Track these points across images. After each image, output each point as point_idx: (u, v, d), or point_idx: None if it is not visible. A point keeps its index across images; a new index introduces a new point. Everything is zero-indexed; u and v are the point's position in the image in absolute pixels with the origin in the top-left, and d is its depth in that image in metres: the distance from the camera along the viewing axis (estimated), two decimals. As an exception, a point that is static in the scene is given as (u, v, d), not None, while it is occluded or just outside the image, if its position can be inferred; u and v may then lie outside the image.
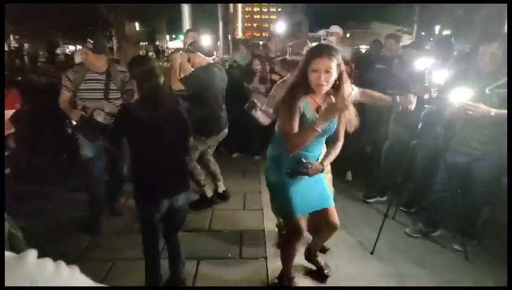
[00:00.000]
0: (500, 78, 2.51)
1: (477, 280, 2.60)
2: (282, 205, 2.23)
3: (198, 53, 3.43)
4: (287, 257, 2.41)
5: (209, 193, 3.71)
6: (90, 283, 0.41)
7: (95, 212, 3.21)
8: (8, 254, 0.38)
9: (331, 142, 2.18)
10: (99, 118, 2.89)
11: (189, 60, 3.52)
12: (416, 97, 2.52)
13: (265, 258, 2.84)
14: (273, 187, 2.25)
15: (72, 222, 3.30)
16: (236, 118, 5.36)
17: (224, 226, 3.33)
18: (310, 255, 2.65)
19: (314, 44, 2.15)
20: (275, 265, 2.73)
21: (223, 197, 3.86)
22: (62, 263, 0.40)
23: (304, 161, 2.02)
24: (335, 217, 2.30)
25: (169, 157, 2.13)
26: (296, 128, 1.94)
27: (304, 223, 2.26)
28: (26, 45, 14.41)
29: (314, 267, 2.65)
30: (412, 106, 2.49)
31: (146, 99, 2.05)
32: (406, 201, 3.62)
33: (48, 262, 0.38)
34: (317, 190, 2.21)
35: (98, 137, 2.92)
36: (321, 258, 2.64)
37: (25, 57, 11.37)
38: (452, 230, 3.13)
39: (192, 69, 3.42)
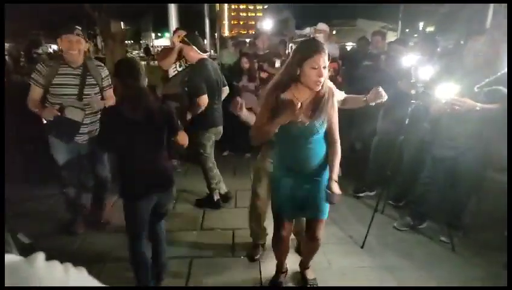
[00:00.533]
0: (485, 74, 2.57)
1: (464, 270, 2.67)
2: (273, 203, 2.27)
3: (194, 47, 3.40)
4: (275, 254, 2.49)
5: (216, 197, 3.69)
6: (98, 284, 0.41)
7: (72, 218, 3.15)
8: (15, 257, 0.38)
9: (330, 146, 2.07)
10: (77, 116, 2.74)
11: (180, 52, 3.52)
12: (380, 89, 2.44)
13: (259, 255, 2.85)
14: (271, 183, 2.30)
15: (59, 222, 3.25)
16: (226, 116, 5.37)
17: (216, 224, 3.34)
18: (300, 267, 2.60)
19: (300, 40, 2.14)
20: (267, 263, 2.76)
21: (226, 198, 3.83)
22: (70, 265, 0.40)
23: (329, 192, 1.96)
24: (319, 230, 2.22)
25: (156, 155, 2.18)
26: (261, 123, 1.94)
27: (287, 229, 2.26)
28: (7, 45, 14.05)
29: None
30: (383, 98, 2.42)
31: (132, 99, 2.06)
32: (394, 195, 3.69)
33: (56, 264, 0.39)
34: (312, 199, 2.11)
35: (73, 137, 2.80)
36: (310, 272, 2.56)
37: (7, 57, 11.10)
38: (439, 222, 3.21)
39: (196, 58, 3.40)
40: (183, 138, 2.31)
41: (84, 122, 2.84)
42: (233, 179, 4.43)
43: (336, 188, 1.97)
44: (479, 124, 2.66)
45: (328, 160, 2.05)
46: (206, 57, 3.51)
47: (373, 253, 2.89)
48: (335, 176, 2.00)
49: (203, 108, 3.35)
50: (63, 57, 2.79)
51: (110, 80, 3.00)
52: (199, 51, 3.42)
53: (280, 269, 2.53)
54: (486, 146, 2.76)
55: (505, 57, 2.61)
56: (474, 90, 2.57)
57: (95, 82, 2.87)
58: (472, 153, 2.78)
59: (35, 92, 2.76)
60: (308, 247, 2.44)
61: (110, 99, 2.98)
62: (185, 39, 3.43)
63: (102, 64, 3.02)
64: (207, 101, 3.36)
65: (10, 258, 0.37)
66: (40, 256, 0.38)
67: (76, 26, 2.77)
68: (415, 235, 3.17)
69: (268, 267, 2.69)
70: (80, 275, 0.40)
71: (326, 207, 2.15)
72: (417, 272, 2.65)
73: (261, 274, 2.64)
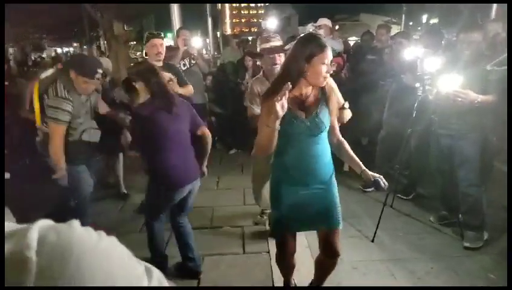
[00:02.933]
0: (481, 65, 2.56)
1: (474, 261, 2.67)
2: (274, 217, 2.06)
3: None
4: (281, 273, 2.29)
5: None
6: (128, 252, 0.43)
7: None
8: (53, 223, 0.40)
9: (337, 144, 2.00)
10: (95, 137, 2.68)
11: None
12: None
13: (268, 252, 2.87)
14: (271, 194, 2.03)
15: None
16: (232, 114, 5.39)
17: (226, 222, 3.36)
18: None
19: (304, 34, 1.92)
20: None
21: None
22: (103, 232, 0.42)
23: (377, 179, 1.83)
24: (336, 243, 1.96)
25: (188, 145, 2.35)
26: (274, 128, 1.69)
27: (292, 244, 2.03)
28: (10, 49, 14.16)
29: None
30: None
31: (163, 95, 2.23)
32: (403, 188, 3.69)
33: (91, 230, 0.41)
34: (323, 206, 1.91)
35: (91, 160, 2.76)
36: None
37: (10, 62, 11.18)
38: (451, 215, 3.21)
39: None
40: (207, 132, 2.49)
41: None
42: (242, 177, 4.45)
43: (374, 174, 1.88)
44: (477, 114, 2.64)
45: (330, 166, 1.94)
46: None
47: (383, 246, 2.90)
48: (363, 166, 1.92)
49: None
50: (75, 87, 2.51)
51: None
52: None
53: (288, 285, 2.33)
54: (484, 136, 2.73)
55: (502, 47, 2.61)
56: (487, 69, 2.54)
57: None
58: (468, 141, 2.75)
59: (61, 132, 2.41)
60: (325, 265, 2.12)
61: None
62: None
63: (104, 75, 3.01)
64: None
65: (48, 222, 0.39)
66: (76, 222, 0.41)
67: (99, 70, 2.51)
68: (425, 228, 3.18)
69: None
70: (112, 240, 0.42)
71: (340, 215, 1.97)
72: (428, 264, 2.65)
73: (272, 270, 2.66)
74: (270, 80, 2.61)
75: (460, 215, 2.98)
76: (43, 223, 0.39)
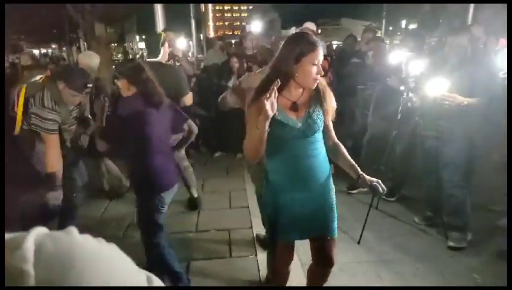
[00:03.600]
0: (467, 69, 2.61)
1: (459, 262, 2.72)
2: (268, 224, 1.93)
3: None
4: (276, 282, 2.14)
5: (195, 194, 3.68)
6: (128, 258, 0.42)
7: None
8: (50, 231, 0.38)
9: (333, 146, 1.90)
10: (85, 142, 2.66)
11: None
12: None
13: (255, 255, 2.84)
14: (264, 203, 1.95)
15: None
16: (216, 117, 5.35)
17: (212, 225, 3.31)
18: None
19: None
20: (265, 262, 2.74)
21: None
22: (102, 239, 0.41)
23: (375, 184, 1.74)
24: (331, 252, 1.89)
25: (170, 145, 2.32)
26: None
27: (290, 254, 1.95)
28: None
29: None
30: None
31: (149, 89, 2.14)
32: (388, 190, 3.72)
33: (90, 237, 0.40)
34: (320, 212, 1.83)
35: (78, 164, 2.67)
36: None
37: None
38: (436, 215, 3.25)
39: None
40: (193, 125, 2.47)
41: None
42: (227, 180, 4.42)
43: (372, 178, 1.79)
44: (461, 116, 2.68)
45: (327, 168, 1.85)
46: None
47: (370, 248, 2.92)
48: (360, 170, 1.83)
49: None
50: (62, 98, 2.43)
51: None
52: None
53: None
54: (469, 138, 2.79)
55: (484, 52, 2.68)
56: (459, 85, 2.59)
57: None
58: (453, 143, 2.79)
59: (54, 141, 2.34)
60: (319, 275, 2.02)
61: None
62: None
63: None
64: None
65: (45, 229, 0.38)
66: (74, 228, 0.39)
67: (87, 84, 2.47)
68: (411, 229, 3.21)
69: (266, 267, 2.68)
70: (112, 248, 0.41)
71: (336, 223, 1.89)
72: (414, 265, 2.68)
73: (259, 273, 2.63)
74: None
75: (444, 216, 3.03)
76: (39, 232, 0.36)
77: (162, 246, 2.27)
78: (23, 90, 2.43)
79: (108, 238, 0.40)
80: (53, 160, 2.33)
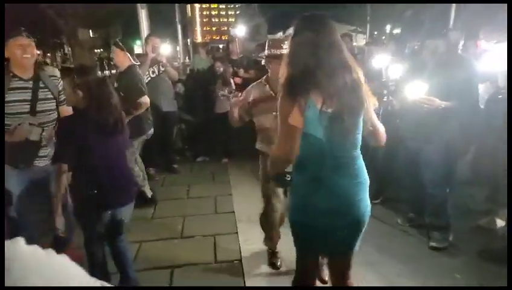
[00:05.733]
0: (444, 73, 2.65)
1: (441, 262, 2.76)
2: (297, 242, 1.76)
3: (127, 53, 3.45)
4: None
5: (149, 193, 3.75)
6: (80, 270, 0.41)
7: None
8: None
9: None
10: (34, 135, 2.33)
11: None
12: None
13: (240, 260, 2.84)
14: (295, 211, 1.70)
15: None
16: (202, 122, 5.34)
17: (197, 231, 3.29)
18: None
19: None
20: (250, 266, 2.74)
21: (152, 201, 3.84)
22: (51, 250, 0.41)
23: None
24: (348, 272, 1.79)
25: (117, 166, 2.16)
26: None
27: (314, 269, 1.85)
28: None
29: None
30: None
31: (98, 104, 2.03)
32: (371, 193, 3.76)
33: (37, 247, 0.40)
34: (350, 233, 1.66)
35: (32, 162, 2.40)
36: None
37: None
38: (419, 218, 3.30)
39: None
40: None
41: (42, 143, 2.42)
42: (212, 185, 4.40)
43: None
44: (440, 119, 2.72)
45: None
46: (136, 63, 3.56)
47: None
48: None
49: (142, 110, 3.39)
50: (11, 67, 2.35)
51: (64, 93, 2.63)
52: (131, 58, 3.47)
53: None
54: (448, 139, 2.82)
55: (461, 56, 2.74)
56: (436, 88, 2.64)
57: (51, 96, 2.46)
58: (433, 145, 2.84)
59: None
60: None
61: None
62: (119, 43, 3.45)
63: (57, 75, 2.61)
64: (148, 101, 3.40)
65: None
66: (21, 240, 0.39)
67: (23, 28, 2.37)
68: (394, 230, 3.25)
69: (251, 272, 2.67)
70: (62, 258, 0.41)
71: (357, 243, 1.73)
72: (397, 266, 2.71)
73: (244, 279, 2.62)
74: (272, 86, 2.43)
75: (426, 217, 3.08)
76: None
77: (92, 248, 2.24)
78: None
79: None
80: None
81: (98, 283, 0.42)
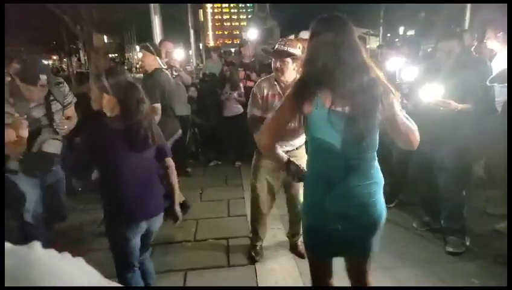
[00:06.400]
0: (459, 74, 2.62)
1: (457, 267, 2.70)
2: (314, 246, 1.74)
3: (157, 57, 3.47)
4: None
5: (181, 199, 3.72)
6: (96, 273, 0.42)
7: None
8: (12, 246, 0.38)
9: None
10: (55, 148, 2.45)
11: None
12: None
13: (254, 264, 2.82)
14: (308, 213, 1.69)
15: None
16: (215, 126, 5.38)
17: (210, 234, 3.30)
18: None
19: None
20: (263, 270, 2.73)
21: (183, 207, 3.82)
22: (67, 253, 0.41)
23: None
24: (367, 274, 1.75)
25: (147, 176, 2.01)
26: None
27: (328, 271, 1.78)
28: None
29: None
30: None
31: (126, 112, 1.88)
32: (386, 196, 3.71)
33: (54, 252, 0.39)
34: (365, 235, 1.63)
35: (49, 172, 2.49)
36: None
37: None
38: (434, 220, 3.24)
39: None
40: (172, 164, 2.15)
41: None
42: (226, 188, 4.41)
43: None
44: (455, 121, 2.69)
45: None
46: (162, 68, 3.56)
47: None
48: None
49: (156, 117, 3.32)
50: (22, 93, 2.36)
51: (72, 95, 2.70)
52: (160, 62, 3.49)
53: None
54: (463, 142, 2.78)
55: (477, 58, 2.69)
56: (452, 90, 2.60)
57: (60, 106, 2.58)
58: (448, 148, 2.80)
59: (10, 134, 2.28)
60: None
61: (72, 118, 2.73)
62: (148, 46, 3.47)
63: (62, 81, 2.68)
64: (159, 110, 3.31)
65: (7, 244, 0.38)
66: (38, 244, 0.39)
67: (41, 76, 2.32)
68: (410, 234, 3.19)
69: (265, 276, 2.67)
70: (78, 262, 0.41)
71: (375, 245, 1.69)
72: (413, 271, 2.66)
73: (257, 283, 2.61)
74: (278, 82, 2.53)
75: (442, 221, 3.02)
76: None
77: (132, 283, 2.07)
78: None
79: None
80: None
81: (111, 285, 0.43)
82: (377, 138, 1.54)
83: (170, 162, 2.15)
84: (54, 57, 25.64)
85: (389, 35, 16.08)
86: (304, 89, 1.48)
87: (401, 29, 18.00)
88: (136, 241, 2.02)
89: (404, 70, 2.94)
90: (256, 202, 2.81)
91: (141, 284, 2.14)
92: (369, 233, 1.63)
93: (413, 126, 1.56)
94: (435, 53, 2.97)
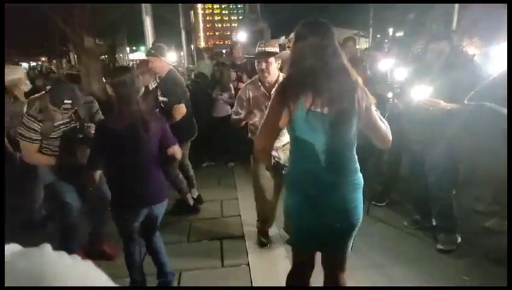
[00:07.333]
0: (448, 75, 2.67)
1: (448, 264, 2.75)
2: (296, 237, 1.82)
3: (162, 58, 3.42)
4: None
5: (191, 201, 3.71)
6: (105, 277, 0.42)
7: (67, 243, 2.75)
8: (23, 248, 0.39)
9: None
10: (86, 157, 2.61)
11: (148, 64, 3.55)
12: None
13: (248, 264, 2.84)
14: (289, 209, 1.77)
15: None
16: (206, 127, 5.36)
17: (204, 235, 3.31)
18: None
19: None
20: (257, 271, 2.75)
21: (198, 201, 3.88)
22: (77, 256, 0.41)
23: None
24: (342, 270, 1.84)
25: (148, 167, 2.18)
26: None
27: (307, 261, 1.85)
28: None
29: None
30: None
31: (123, 110, 2.05)
32: (377, 195, 3.76)
33: (64, 254, 0.40)
34: (342, 231, 1.69)
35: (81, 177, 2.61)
36: None
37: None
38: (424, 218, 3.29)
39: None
40: (177, 151, 2.31)
41: None
42: (219, 189, 4.42)
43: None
44: (444, 121, 2.73)
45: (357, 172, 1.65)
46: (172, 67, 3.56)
47: (360, 254, 2.92)
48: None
49: (179, 117, 3.35)
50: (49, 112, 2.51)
51: (99, 113, 2.80)
52: (168, 62, 3.47)
53: None
54: (452, 141, 2.83)
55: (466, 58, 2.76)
56: (441, 90, 2.65)
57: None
58: (438, 147, 2.84)
59: (33, 148, 2.51)
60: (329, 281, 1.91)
61: None
62: (152, 51, 3.44)
63: (93, 99, 2.81)
64: (185, 110, 3.38)
65: (18, 246, 0.39)
66: (48, 246, 0.40)
67: (66, 101, 2.43)
68: (401, 233, 3.24)
69: (259, 276, 2.68)
70: (87, 265, 0.41)
71: (350, 243, 1.77)
72: (404, 269, 2.70)
73: (252, 283, 2.63)
74: (263, 82, 2.69)
75: (433, 219, 3.07)
76: (12, 248, 0.37)
77: (130, 249, 2.36)
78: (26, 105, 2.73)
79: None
80: (34, 158, 2.55)
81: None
82: (355, 137, 1.61)
83: (174, 149, 2.27)
84: (43, 58, 25.30)
85: (378, 36, 16.24)
86: (289, 91, 1.55)
87: (390, 31, 18.19)
88: (137, 224, 2.27)
89: (395, 71, 2.99)
90: (261, 189, 2.90)
91: (141, 257, 2.42)
92: (348, 226, 1.69)
93: (386, 127, 1.67)
94: (424, 54, 3.02)
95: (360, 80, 1.57)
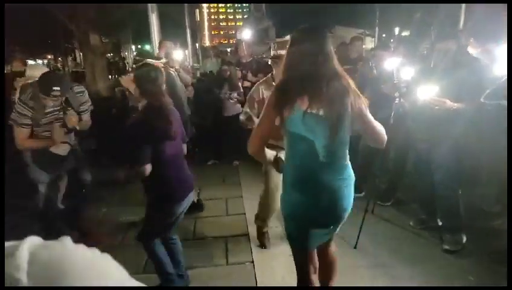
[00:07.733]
0: (455, 74, 2.66)
1: (453, 263, 2.74)
2: (294, 234, 1.88)
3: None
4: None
5: (195, 198, 3.73)
6: (123, 270, 0.42)
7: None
8: (43, 241, 0.39)
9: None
10: (63, 151, 2.82)
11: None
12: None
13: (252, 262, 2.85)
14: (291, 214, 1.81)
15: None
16: (212, 125, 5.38)
17: (209, 233, 3.32)
18: None
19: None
20: (262, 269, 2.75)
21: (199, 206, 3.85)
22: (96, 249, 0.41)
23: None
24: (333, 249, 2.05)
25: (182, 155, 2.37)
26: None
27: (314, 260, 1.90)
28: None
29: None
30: None
31: (157, 105, 2.14)
32: (382, 195, 3.75)
33: (84, 247, 0.40)
34: (335, 222, 1.83)
35: (58, 170, 2.89)
36: None
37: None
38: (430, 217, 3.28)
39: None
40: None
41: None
42: (223, 187, 4.43)
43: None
44: (451, 120, 2.73)
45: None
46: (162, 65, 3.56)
47: (366, 252, 2.93)
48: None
49: None
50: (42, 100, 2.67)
51: (89, 103, 3.01)
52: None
53: None
54: (458, 141, 2.82)
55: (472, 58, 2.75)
56: (448, 90, 2.64)
57: (73, 112, 2.85)
58: (444, 146, 2.83)
59: (23, 133, 2.65)
60: (329, 270, 2.13)
61: (87, 122, 3.02)
62: (137, 58, 3.56)
63: (83, 89, 3.00)
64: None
65: (38, 239, 0.39)
66: (68, 238, 0.40)
67: (54, 88, 2.59)
68: (406, 232, 3.23)
69: (263, 274, 2.69)
70: (105, 257, 0.42)
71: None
72: (409, 268, 2.70)
73: (256, 281, 2.63)
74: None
75: (438, 219, 3.06)
76: (33, 241, 0.38)
77: (159, 252, 2.36)
78: (18, 90, 2.85)
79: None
80: (23, 142, 2.68)
81: (135, 285, 0.44)
82: (348, 137, 1.69)
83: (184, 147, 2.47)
84: (49, 56, 25.42)
85: (384, 35, 16.18)
86: (285, 97, 1.61)
87: (396, 30, 18.11)
88: (182, 215, 2.35)
89: (402, 70, 2.98)
90: (273, 189, 2.87)
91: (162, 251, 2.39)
92: (337, 223, 1.83)
93: (380, 127, 1.75)
94: (431, 53, 3.01)
95: (352, 83, 1.65)
